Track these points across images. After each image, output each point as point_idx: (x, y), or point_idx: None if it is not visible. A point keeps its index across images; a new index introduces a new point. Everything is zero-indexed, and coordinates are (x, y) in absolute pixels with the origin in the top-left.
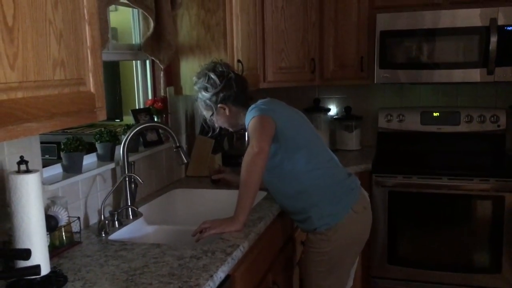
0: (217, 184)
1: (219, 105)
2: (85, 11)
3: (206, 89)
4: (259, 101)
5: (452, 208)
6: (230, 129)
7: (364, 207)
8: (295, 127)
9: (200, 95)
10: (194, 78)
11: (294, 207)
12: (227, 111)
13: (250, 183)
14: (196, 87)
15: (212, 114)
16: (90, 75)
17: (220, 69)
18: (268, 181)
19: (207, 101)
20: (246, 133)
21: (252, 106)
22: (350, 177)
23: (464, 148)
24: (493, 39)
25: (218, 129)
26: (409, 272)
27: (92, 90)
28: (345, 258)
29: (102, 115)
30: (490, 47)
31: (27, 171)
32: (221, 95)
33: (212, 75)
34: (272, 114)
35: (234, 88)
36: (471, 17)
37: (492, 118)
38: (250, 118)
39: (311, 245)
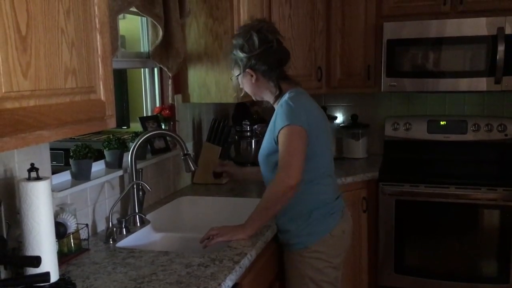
0: (219, 177)
1: (247, 70)
2: (97, 20)
3: (242, 48)
4: (289, 94)
5: (460, 217)
6: (252, 96)
7: (343, 231)
8: (316, 134)
9: (234, 51)
10: (236, 31)
11: (279, 214)
12: (253, 79)
13: (272, 210)
14: (233, 41)
15: (239, 75)
16: (101, 83)
17: (265, 34)
18: (268, 179)
19: (238, 60)
20: (253, 141)
21: (284, 100)
22: (336, 200)
23: (472, 157)
24: (501, 48)
25: (243, 92)
26: (416, 281)
27: (103, 98)
28: (324, 282)
29: (112, 123)
30: (498, 56)
31: (37, 178)
32: (253, 61)
33: (255, 37)
34: (304, 122)
35: (270, 60)
36: (478, 26)
37: (500, 127)
38: (282, 125)
39: (290, 268)
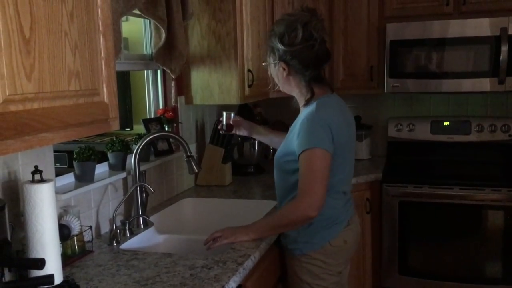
0: (230, 131)
1: (281, 62)
2: (100, 23)
3: (281, 38)
4: (318, 104)
5: (464, 218)
6: (280, 88)
7: (345, 241)
8: (338, 153)
9: (272, 38)
10: (280, 17)
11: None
12: (285, 73)
13: (283, 229)
14: (274, 27)
15: (270, 64)
16: (104, 85)
17: (311, 30)
18: (279, 186)
19: (274, 49)
20: (257, 143)
21: (311, 111)
22: (342, 211)
23: (475, 158)
24: (504, 49)
25: (276, 87)
26: (420, 283)
27: (106, 100)
28: (321, 286)
29: (115, 125)
30: (501, 57)
31: (41, 180)
32: (289, 56)
33: (300, 31)
34: (327, 144)
35: (308, 59)
36: (481, 26)
37: (503, 128)
38: (305, 146)
39: (289, 271)
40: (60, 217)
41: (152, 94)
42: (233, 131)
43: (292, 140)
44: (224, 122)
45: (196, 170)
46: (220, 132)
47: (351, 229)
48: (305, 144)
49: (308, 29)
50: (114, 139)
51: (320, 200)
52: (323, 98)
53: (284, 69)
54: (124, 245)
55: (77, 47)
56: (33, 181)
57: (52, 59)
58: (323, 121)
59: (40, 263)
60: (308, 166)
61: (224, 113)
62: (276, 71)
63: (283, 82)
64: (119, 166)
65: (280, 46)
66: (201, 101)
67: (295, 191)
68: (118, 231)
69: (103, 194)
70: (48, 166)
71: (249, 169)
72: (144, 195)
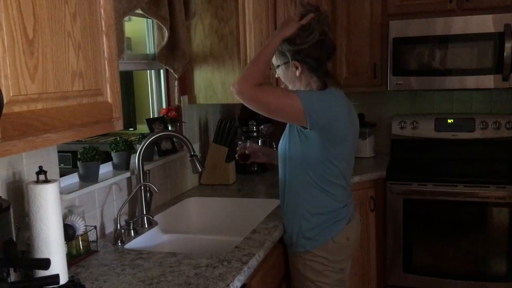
0: (246, 160)
1: (294, 61)
2: (103, 23)
3: (294, 39)
4: (325, 90)
5: (468, 215)
6: (290, 87)
7: (347, 238)
8: (333, 138)
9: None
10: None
11: (282, 208)
12: (298, 72)
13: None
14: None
15: (279, 66)
16: (107, 85)
17: (324, 27)
18: (283, 181)
19: (285, 51)
20: (260, 141)
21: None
22: (344, 207)
23: (480, 155)
24: (508, 45)
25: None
26: (425, 280)
27: (109, 100)
28: (325, 284)
29: (119, 125)
30: (505, 53)
31: (46, 181)
32: (302, 54)
33: (316, 30)
34: (310, 108)
35: (321, 54)
36: (485, 23)
37: (508, 125)
38: (298, 92)
39: (292, 269)
40: (64, 217)
41: (155, 94)
42: (250, 160)
43: (291, 127)
44: (239, 153)
45: (200, 169)
46: (240, 162)
47: (353, 226)
48: (296, 91)
49: (321, 27)
50: (118, 139)
51: (246, 87)
52: (332, 88)
53: (297, 67)
54: (129, 245)
55: (80, 47)
56: (37, 182)
57: (55, 59)
58: (325, 99)
59: (45, 263)
60: (282, 89)
61: (239, 143)
62: (287, 72)
63: (295, 81)
64: (123, 166)
65: (291, 46)
66: (204, 100)
67: (299, 157)
68: (123, 230)
69: (107, 194)
70: (52, 166)
71: (253, 167)
72: (148, 194)
